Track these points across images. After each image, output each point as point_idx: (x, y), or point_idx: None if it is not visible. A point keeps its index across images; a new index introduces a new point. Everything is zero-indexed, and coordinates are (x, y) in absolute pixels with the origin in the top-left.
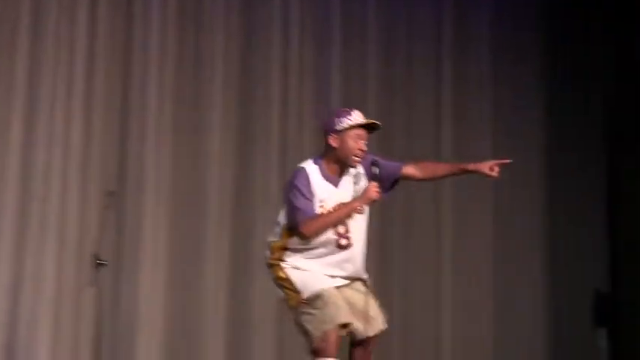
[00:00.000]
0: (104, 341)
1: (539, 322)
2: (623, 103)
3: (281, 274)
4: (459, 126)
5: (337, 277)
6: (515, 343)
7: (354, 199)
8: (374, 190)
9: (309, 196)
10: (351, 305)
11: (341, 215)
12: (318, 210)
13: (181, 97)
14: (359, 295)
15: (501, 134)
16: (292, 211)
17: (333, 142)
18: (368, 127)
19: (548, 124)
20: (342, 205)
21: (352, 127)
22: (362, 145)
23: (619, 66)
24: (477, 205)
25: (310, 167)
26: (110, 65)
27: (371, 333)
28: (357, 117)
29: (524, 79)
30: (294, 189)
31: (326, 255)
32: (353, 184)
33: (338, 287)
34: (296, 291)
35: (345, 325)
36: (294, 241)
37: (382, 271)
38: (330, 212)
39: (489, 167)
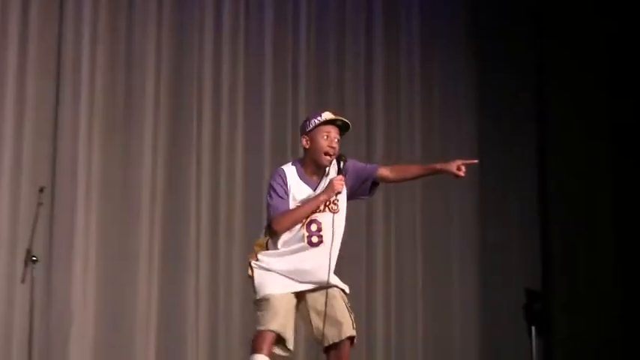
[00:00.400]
0: (36, 337)
1: (470, 320)
2: (554, 101)
3: (249, 273)
4: (390, 124)
5: (305, 282)
6: (447, 341)
7: (321, 193)
8: (339, 182)
9: (282, 195)
10: (315, 311)
11: (308, 209)
12: (292, 205)
13: (113, 93)
14: (329, 303)
15: (432, 133)
16: (267, 209)
17: (306, 143)
18: (340, 127)
19: (479, 124)
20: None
21: (320, 125)
22: (332, 142)
23: (550, 59)
24: (408, 205)
25: (289, 169)
26: (41, 62)
27: (337, 339)
28: (325, 116)
29: (455, 75)
30: (269, 188)
31: (298, 252)
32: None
33: (304, 292)
34: (254, 291)
35: (278, 337)
36: (273, 240)
37: None
38: (297, 207)
39: (457, 167)
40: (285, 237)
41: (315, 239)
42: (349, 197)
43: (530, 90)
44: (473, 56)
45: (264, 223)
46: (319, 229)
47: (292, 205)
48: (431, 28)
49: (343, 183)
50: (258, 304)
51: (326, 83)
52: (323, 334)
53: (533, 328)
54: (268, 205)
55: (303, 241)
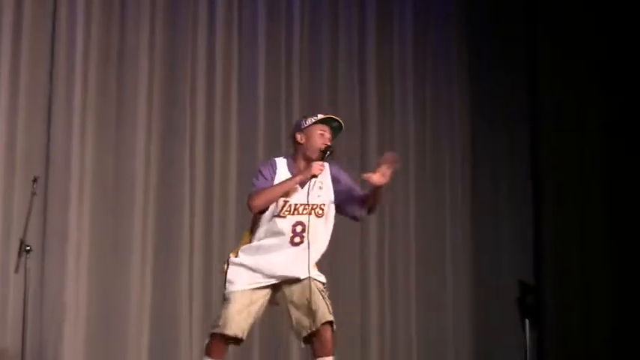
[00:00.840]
0: (30, 326)
1: (464, 313)
2: (547, 98)
3: (224, 266)
4: (383, 121)
5: (276, 277)
6: (441, 334)
7: (297, 174)
8: (318, 166)
9: (267, 177)
10: (292, 304)
11: (284, 187)
12: (281, 205)
13: (106, 85)
14: (303, 294)
15: (425, 131)
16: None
17: (300, 139)
18: (333, 129)
19: (473, 121)
20: (288, 180)
21: (317, 122)
22: (327, 140)
23: (543, 57)
24: (401, 202)
25: (280, 160)
26: (35, 55)
27: (313, 327)
28: (320, 115)
29: (448, 72)
30: (257, 172)
31: (278, 250)
32: (318, 189)
33: (280, 285)
34: (223, 285)
35: (234, 339)
36: (257, 233)
37: None
38: (273, 185)
39: (378, 177)
40: (269, 230)
41: (297, 239)
42: (337, 207)
43: (523, 87)
44: (466, 54)
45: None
46: (303, 230)
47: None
48: (424, 25)
49: (323, 169)
50: (223, 298)
51: (319, 80)
52: (303, 325)
53: (526, 320)
54: (253, 186)
55: (286, 239)
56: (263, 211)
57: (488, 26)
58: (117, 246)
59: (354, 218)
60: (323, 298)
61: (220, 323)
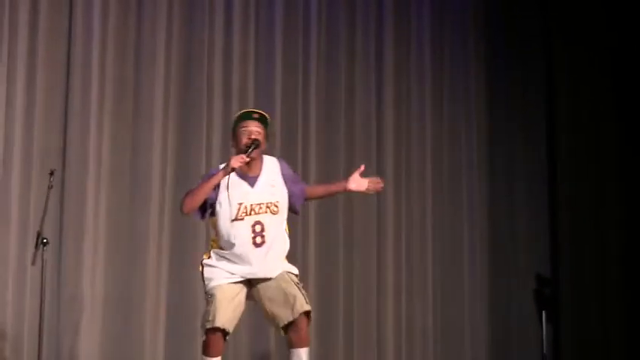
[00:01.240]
0: (46, 319)
1: (481, 304)
2: (563, 90)
3: (200, 269)
4: (400, 119)
5: (248, 276)
6: (458, 326)
7: (221, 170)
8: (237, 158)
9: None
10: (268, 299)
11: (208, 184)
12: (236, 208)
13: (122, 81)
14: (278, 287)
15: (442, 119)
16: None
17: (233, 145)
18: (260, 120)
19: (489, 110)
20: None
21: (237, 122)
22: (250, 134)
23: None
24: (418, 195)
25: (221, 165)
26: (52, 48)
27: (291, 317)
28: (238, 113)
29: (466, 61)
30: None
31: (242, 253)
32: (270, 187)
33: (256, 280)
34: (203, 287)
35: (222, 332)
36: (220, 242)
37: (325, 257)
38: (199, 185)
39: (356, 185)
40: (230, 238)
41: (258, 239)
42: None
43: (539, 81)
44: (483, 49)
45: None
46: (262, 230)
47: (227, 199)
48: (441, 21)
49: (242, 161)
50: (206, 297)
51: (336, 77)
52: (281, 316)
53: (543, 312)
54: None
55: (249, 242)
56: (215, 218)
57: (503, 21)
58: (133, 239)
59: (296, 212)
60: (298, 289)
61: (209, 318)
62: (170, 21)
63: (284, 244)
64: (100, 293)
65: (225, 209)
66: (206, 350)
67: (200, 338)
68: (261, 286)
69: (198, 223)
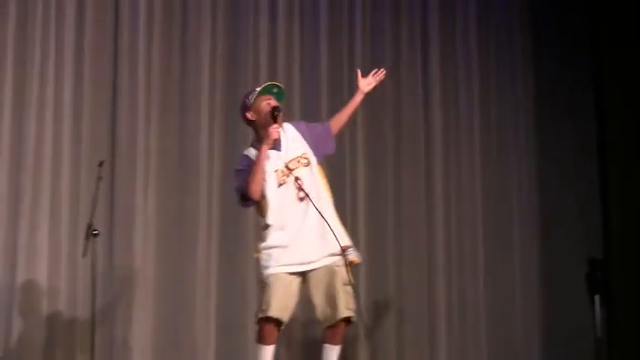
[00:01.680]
0: (99, 309)
1: (532, 290)
2: (611, 81)
3: (256, 255)
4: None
5: (307, 259)
6: (509, 313)
7: (263, 145)
8: (273, 130)
9: (245, 168)
10: (321, 290)
11: (259, 164)
12: (273, 176)
13: (169, 71)
14: (327, 283)
15: (490, 111)
16: (236, 188)
17: (251, 116)
18: (276, 95)
19: (537, 93)
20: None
21: (259, 95)
22: (273, 104)
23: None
24: (467, 177)
25: (248, 151)
26: (99, 40)
27: (331, 321)
28: (257, 88)
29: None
30: (236, 170)
31: (294, 222)
32: (292, 143)
33: (308, 271)
34: (259, 272)
35: (276, 321)
36: (269, 214)
37: (375, 235)
38: (251, 170)
39: (366, 84)
40: (278, 207)
41: (301, 194)
42: (316, 152)
43: (587, 71)
44: (530, 44)
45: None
46: (302, 183)
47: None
48: (487, 20)
49: (278, 130)
50: (261, 285)
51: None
52: (324, 314)
53: (595, 296)
54: (236, 186)
55: (294, 199)
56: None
57: (550, 18)
58: (183, 227)
59: (331, 150)
60: (344, 291)
61: (264, 307)
62: (215, 11)
63: (325, 198)
64: (151, 283)
65: (269, 180)
66: (260, 339)
67: (252, 325)
68: (313, 274)
69: (245, 210)
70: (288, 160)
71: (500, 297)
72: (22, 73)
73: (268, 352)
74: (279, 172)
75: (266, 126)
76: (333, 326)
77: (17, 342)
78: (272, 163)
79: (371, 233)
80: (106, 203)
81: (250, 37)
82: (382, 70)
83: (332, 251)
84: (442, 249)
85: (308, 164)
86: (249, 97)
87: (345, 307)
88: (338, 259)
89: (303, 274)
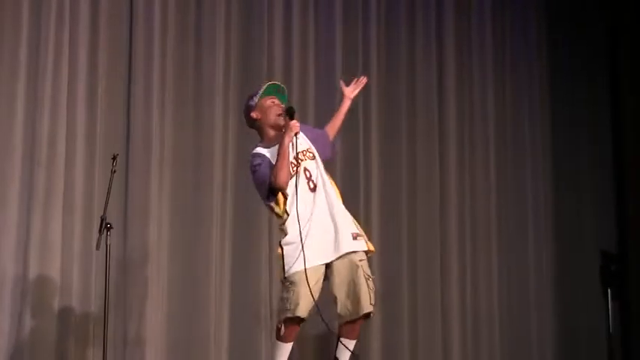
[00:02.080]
0: (112, 302)
1: (546, 282)
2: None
3: (279, 250)
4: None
5: (330, 253)
6: (523, 305)
7: (281, 137)
8: (295, 124)
9: (262, 162)
10: (341, 284)
11: (282, 153)
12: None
13: (184, 62)
14: (349, 278)
15: (505, 103)
16: (260, 183)
17: (257, 115)
18: (277, 93)
19: (553, 84)
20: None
21: (264, 95)
22: (279, 105)
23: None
24: (481, 169)
25: (260, 150)
26: (114, 32)
27: (355, 316)
28: (265, 86)
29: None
30: (254, 167)
31: (307, 209)
32: (297, 139)
33: (331, 262)
34: (283, 267)
35: (300, 320)
36: (286, 208)
37: (389, 234)
38: (278, 159)
39: (351, 91)
40: (294, 197)
41: (311, 184)
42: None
43: (603, 64)
44: (545, 52)
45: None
46: (310, 175)
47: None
48: (502, 25)
49: (299, 125)
50: (285, 283)
51: (396, 61)
52: (345, 309)
53: (609, 290)
54: (259, 180)
55: (306, 189)
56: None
57: (566, 11)
58: (197, 221)
59: (330, 158)
60: (367, 285)
61: (291, 307)
62: (229, 4)
63: (333, 187)
64: (165, 276)
65: None
66: (282, 337)
67: (265, 319)
68: (335, 266)
69: (261, 203)
70: (296, 152)
71: (514, 289)
72: (36, 65)
73: (288, 349)
74: (291, 164)
75: (273, 124)
76: (352, 321)
77: (30, 336)
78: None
79: (384, 227)
80: (120, 197)
81: (265, 30)
82: (363, 77)
83: (349, 240)
84: (455, 242)
85: (314, 158)
86: (253, 99)
87: (369, 303)
88: (359, 252)
89: (327, 266)
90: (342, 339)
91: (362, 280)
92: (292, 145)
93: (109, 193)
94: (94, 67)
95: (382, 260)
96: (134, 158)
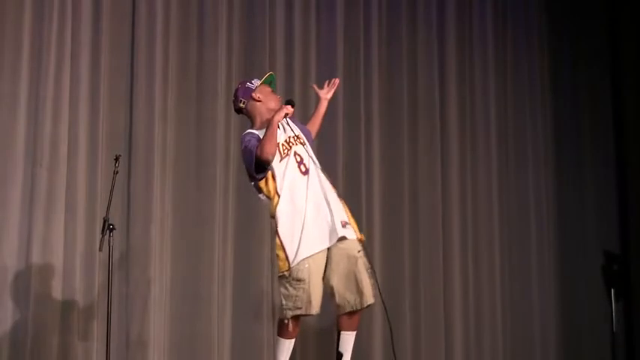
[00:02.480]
0: (115, 303)
1: (549, 283)
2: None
3: (277, 242)
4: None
5: (329, 237)
6: (526, 305)
7: (276, 115)
8: (287, 108)
9: (253, 139)
10: (339, 276)
11: (272, 128)
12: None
13: (186, 63)
14: (350, 270)
15: (507, 103)
16: (248, 156)
17: (258, 96)
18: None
19: (555, 91)
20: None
21: (265, 81)
22: (276, 99)
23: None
24: (484, 167)
25: (251, 130)
26: (116, 32)
27: (358, 306)
28: (266, 75)
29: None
30: (245, 146)
31: (299, 191)
32: (288, 125)
33: (327, 250)
34: (287, 259)
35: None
36: (278, 183)
37: (391, 234)
38: (265, 134)
39: (325, 92)
40: (285, 178)
41: (302, 168)
42: None
43: (605, 55)
44: (547, 53)
45: (262, 189)
46: (302, 159)
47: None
48: (504, 24)
49: (293, 110)
50: (288, 280)
51: (398, 55)
52: (344, 300)
53: (612, 290)
54: (248, 153)
55: (297, 171)
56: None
57: (567, 9)
58: (200, 221)
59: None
60: (368, 274)
61: (301, 305)
62: (231, 1)
63: (323, 175)
64: (168, 277)
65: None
66: (286, 334)
67: (268, 319)
68: (332, 254)
69: (264, 204)
70: (287, 137)
71: (517, 290)
72: (38, 66)
73: (292, 345)
74: (281, 146)
75: (274, 107)
76: (352, 312)
77: (33, 338)
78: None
79: (386, 227)
80: (122, 197)
81: (267, 30)
82: (335, 79)
83: (340, 227)
84: (458, 243)
85: (304, 144)
86: (253, 82)
87: (370, 296)
88: (356, 243)
89: (327, 251)
90: (342, 332)
91: (363, 271)
92: (283, 127)
93: (111, 193)
94: (96, 67)
95: (384, 260)
96: (136, 159)
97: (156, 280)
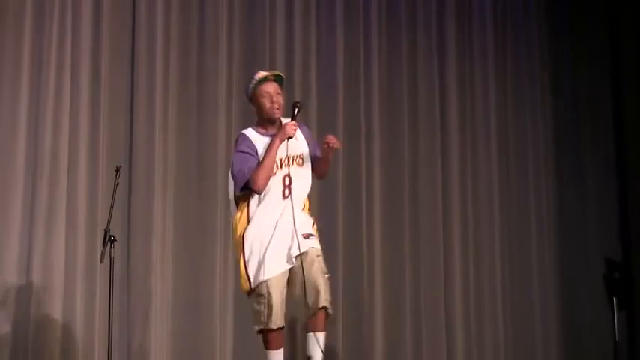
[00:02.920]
0: (117, 315)
1: (550, 290)
2: (630, 71)
3: (240, 259)
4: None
5: (286, 262)
6: (527, 314)
7: (274, 137)
8: (290, 126)
9: (249, 152)
10: (298, 282)
11: (270, 155)
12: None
13: (186, 74)
14: (307, 276)
15: (507, 107)
16: (241, 178)
17: (253, 104)
18: (277, 81)
19: (556, 94)
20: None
21: (258, 84)
22: (272, 97)
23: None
24: (485, 173)
25: (248, 132)
26: (116, 43)
27: (314, 308)
28: (258, 76)
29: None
30: (236, 153)
31: (274, 210)
32: (294, 141)
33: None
34: (248, 279)
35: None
36: (252, 207)
37: (391, 235)
38: (262, 161)
39: (324, 150)
40: (261, 200)
41: (286, 192)
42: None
43: (606, 57)
44: (547, 54)
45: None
46: (290, 182)
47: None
48: (504, 26)
49: (296, 128)
50: (253, 295)
51: (398, 61)
52: (305, 303)
53: (614, 298)
54: (238, 170)
55: (279, 195)
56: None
57: (567, 12)
58: (200, 232)
59: (322, 176)
60: (324, 281)
61: (264, 319)
62: (231, 11)
63: (304, 191)
64: (169, 289)
65: None
66: (268, 345)
67: None
68: (298, 268)
69: None
70: (285, 156)
71: (518, 293)
72: (38, 77)
73: (280, 354)
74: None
75: (267, 117)
76: (315, 315)
77: (34, 349)
78: (263, 148)
79: (386, 228)
80: (123, 209)
81: (267, 38)
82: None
83: (302, 240)
84: (459, 246)
85: (302, 165)
86: (249, 87)
87: (325, 298)
88: (316, 248)
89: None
90: (310, 333)
91: (319, 274)
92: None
93: (112, 205)
94: (96, 78)
95: (385, 261)
96: (137, 170)
97: (157, 291)
